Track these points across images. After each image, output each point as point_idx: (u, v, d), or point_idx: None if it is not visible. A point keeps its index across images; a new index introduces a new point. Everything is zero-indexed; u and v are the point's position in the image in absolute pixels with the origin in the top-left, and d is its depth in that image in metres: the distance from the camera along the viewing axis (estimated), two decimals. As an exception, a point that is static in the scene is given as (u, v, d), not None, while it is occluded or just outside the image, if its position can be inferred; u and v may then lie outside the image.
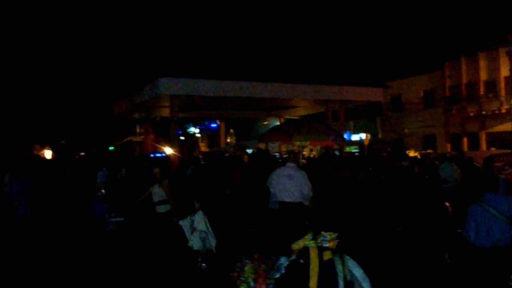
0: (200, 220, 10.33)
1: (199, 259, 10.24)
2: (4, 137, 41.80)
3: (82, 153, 31.81)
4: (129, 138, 31.36)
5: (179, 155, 19.95)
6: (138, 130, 27.09)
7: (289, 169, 10.77)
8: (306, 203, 10.61)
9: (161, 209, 10.91)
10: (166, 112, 25.60)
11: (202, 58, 26.06)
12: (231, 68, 22.78)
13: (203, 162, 16.66)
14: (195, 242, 10.24)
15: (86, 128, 44.46)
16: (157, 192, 10.95)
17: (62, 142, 48.20)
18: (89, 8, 38.12)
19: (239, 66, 23.22)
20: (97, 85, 39.80)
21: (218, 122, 34.46)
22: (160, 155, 22.72)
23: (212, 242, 10.34)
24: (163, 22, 35.32)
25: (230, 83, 21.80)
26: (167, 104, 23.12)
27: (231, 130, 22.73)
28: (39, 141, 46.56)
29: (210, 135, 42.54)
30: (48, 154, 37.99)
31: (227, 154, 21.20)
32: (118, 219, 12.55)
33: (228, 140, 22.76)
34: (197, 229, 10.24)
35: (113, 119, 34.10)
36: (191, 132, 45.75)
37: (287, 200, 10.47)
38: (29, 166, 15.34)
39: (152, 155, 22.15)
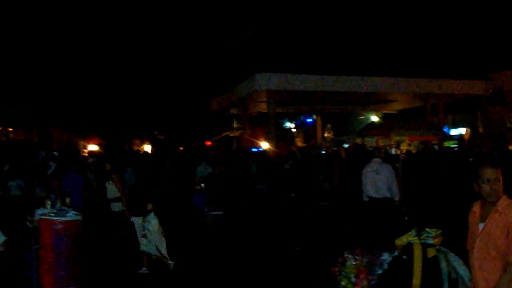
0: (152, 223, 9.72)
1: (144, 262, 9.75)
2: (105, 132, 43.34)
3: (181, 148, 32.49)
4: (226, 133, 31.72)
5: (276, 150, 20.04)
6: (235, 125, 27.35)
7: (376, 164, 10.88)
8: (396, 198, 10.56)
9: (115, 207, 10.59)
10: (263, 107, 25.76)
11: (299, 53, 26.02)
12: (328, 62, 22.62)
13: (299, 157, 16.67)
14: (146, 245, 9.71)
15: (184, 123, 45.32)
16: (110, 189, 10.63)
17: (161, 137, 49.52)
18: (189, 5, 38.79)
19: (337, 60, 23.02)
20: (195, 81, 40.47)
21: (314, 117, 34.32)
22: (257, 150, 22.86)
23: (162, 248, 9.66)
24: (260, 18, 35.47)
25: (327, 77, 21.67)
26: (264, 99, 23.23)
27: (328, 125, 22.58)
28: (139, 136, 48.08)
29: (305, 130, 42.41)
30: (147, 148, 39.11)
31: (323, 149, 21.14)
32: (217, 212, 12.72)
33: (326, 135, 22.66)
34: (150, 232, 9.71)
35: (211, 114, 34.60)
36: (286, 127, 45.74)
37: (375, 196, 10.50)
38: (131, 160, 15.84)
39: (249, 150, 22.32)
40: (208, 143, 34.31)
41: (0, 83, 36.31)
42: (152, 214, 9.63)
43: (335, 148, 20.18)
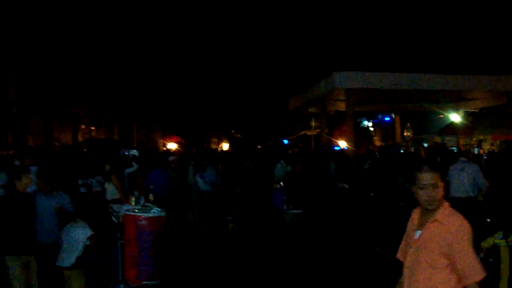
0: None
1: None
2: (184, 131, 44.08)
3: (259, 146, 32.72)
4: (303, 132, 31.79)
5: (355, 149, 19.95)
6: (313, 124, 27.38)
7: (462, 163, 11.09)
8: (479, 197, 10.56)
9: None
10: (341, 106, 25.65)
11: (378, 51, 25.80)
12: (407, 60, 22.34)
13: (378, 156, 16.54)
14: None
15: (261, 122, 45.64)
16: (110, 190, 10.54)
17: (238, 135, 49.99)
18: (269, 5, 39.10)
19: (415, 58, 22.71)
20: (274, 80, 40.70)
21: (392, 116, 33.93)
22: (335, 148, 22.79)
23: None
24: (338, 17, 35.37)
25: (406, 75, 21.40)
26: (342, 98, 23.14)
27: (408, 124, 22.25)
28: (216, 134, 48.72)
29: (383, 129, 42.00)
30: (225, 147, 39.57)
31: (402, 148, 20.89)
32: (296, 211, 12.75)
33: (405, 134, 22.29)
34: None
35: (288, 113, 34.70)
36: (364, 126, 45.39)
37: (458, 195, 10.57)
38: (210, 158, 16.09)
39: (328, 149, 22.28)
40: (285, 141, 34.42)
41: (82, 83, 37.54)
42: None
43: (413, 148, 19.90)
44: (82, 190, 13.29)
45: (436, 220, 3.82)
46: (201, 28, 40.12)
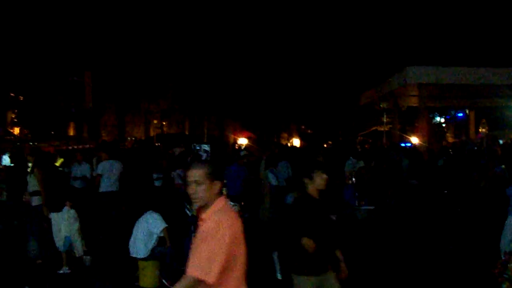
0: (67, 220, 9.50)
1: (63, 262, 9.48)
2: (254, 126, 44.37)
3: (329, 142, 32.64)
4: (374, 127, 31.51)
5: (428, 145, 19.67)
6: (384, 119, 27.05)
7: None
8: None
9: (35, 201, 10.15)
10: (413, 101, 25.33)
11: (451, 45, 25.32)
12: (481, 54, 21.85)
13: (452, 153, 16.28)
14: (58, 242, 9.49)
15: (332, 117, 45.45)
16: (31, 182, 10.22)
17: (308, 131, 49.96)
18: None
19: (490, 52, 22.17)
20: (345, 75, 40.48)
21: (466, 111, 33.19)
22: (407, 145, 22.51)
23: (79, 246, 9.55)
24: (408, 12, 34.91)
25: (481, 70, 20.97)
26: (414, 93, 22.83)
27: (483, 120, 21.72)
28: (287, 130, 48.82)
29: (456, 125, 41.13)
30: (295, 142, 39.62)
31: (476, 145, 20.47)
32: (368, 207, 12.70)
33: (480, 130, 21.81)
34: (62, 230, 9.47)
35: (359, 109, 34.45)
36: (436, 122, 44.55)
37: None
38: (284, 153, 16.18)
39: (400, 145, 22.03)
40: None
41: (155, 79, 38.34)
42: (67, 208, 9.50)
43: (486, 144, 19.44)
44: (157, 183, 13.67)
45: (202, 219, 3.75)
46: (272, 24, 40.30)
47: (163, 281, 7.92)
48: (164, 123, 44.52)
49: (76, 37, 33.81)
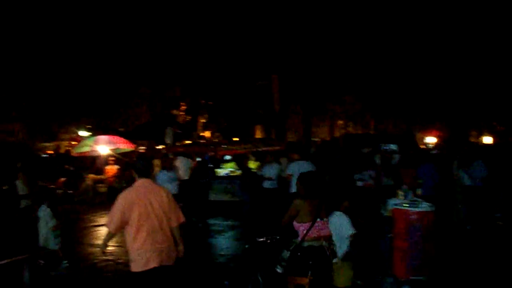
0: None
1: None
2: (445, 124, 42.91)
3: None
4: None
5: None
6: None
7: None
8: None
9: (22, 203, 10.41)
10: None
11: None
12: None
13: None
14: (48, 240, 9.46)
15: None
16: (19, 186, 10.70)
17: (501, 128, 47.29)
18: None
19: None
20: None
21: None
22: None
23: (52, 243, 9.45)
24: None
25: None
26: None
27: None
28: (477, 127, 46.46)
29: None
30: (486, 140, 37.69)
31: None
32: None
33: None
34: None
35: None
36: None
37: None
38: (477, 152, 15.51)
39: None
40: None
41: (338, 79, 38.46)
42: (44, 206, 9.61)
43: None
44: (359, 184, 13.78)
45: None
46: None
47: (357, 282, 7.93)
48: (349, 123, 44.60)
49: (263, 43, 34.93)
